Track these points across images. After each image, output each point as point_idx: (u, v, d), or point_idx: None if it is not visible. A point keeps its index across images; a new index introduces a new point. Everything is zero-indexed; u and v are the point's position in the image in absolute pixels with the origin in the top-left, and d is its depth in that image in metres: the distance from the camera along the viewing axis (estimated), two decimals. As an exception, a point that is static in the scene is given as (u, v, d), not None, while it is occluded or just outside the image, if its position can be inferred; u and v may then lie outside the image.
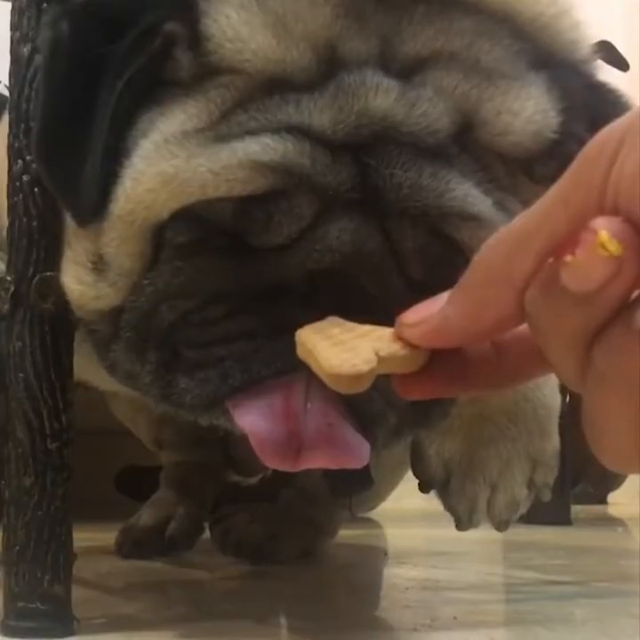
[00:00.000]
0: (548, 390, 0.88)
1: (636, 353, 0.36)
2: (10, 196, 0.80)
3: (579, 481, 2.35)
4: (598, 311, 0.37)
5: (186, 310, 0.69)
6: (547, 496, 0.88)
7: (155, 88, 0.69)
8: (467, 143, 0.69)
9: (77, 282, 0.73)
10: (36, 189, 0.79)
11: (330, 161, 0.66)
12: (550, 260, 0.38)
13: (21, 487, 0.78)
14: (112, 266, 0.71)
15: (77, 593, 0.81)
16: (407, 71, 0.68)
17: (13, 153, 0.79)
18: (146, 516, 1.38)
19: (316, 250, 0.66)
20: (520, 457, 0.86)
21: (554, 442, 0.88)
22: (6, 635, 0.78)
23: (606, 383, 0.37)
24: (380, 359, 0.43)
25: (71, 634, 0.79)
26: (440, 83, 0.68)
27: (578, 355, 0.38)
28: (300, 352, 0.45)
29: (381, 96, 0.66)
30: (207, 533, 1.36)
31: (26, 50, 0.79)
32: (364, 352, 0.43)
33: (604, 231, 0.36)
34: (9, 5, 0.81)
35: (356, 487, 0.93)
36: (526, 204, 0.70)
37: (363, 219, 0.67)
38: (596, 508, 2.40)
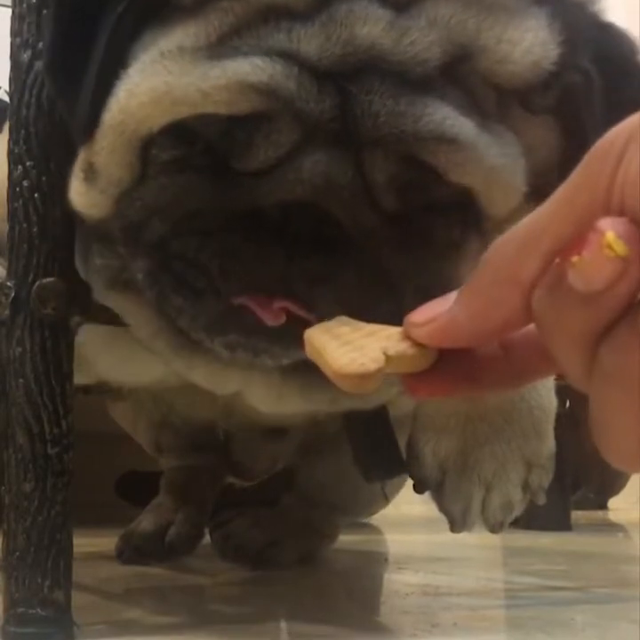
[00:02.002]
0: (544, 391, 0.88)
1: None
2: (10, 201, 0.80)
3: (579, 486, 2.35)
4: (604, 311, 0.37)
5: (174, 223, 0.71)
6: (541, 499, 0.88)
7: (160, 9, 0.71)
8: (459, 74, 0.69)
9: (75, 192, 0.75)
10: (36, 195, 0.79)
11: (315, 88, 0.67)
12: (557, 260, 0.38)
13: (21, 492, 0.78)
14: (102, 174, 0.73)
15: (77, 598, 0.81)
16: (404, 3, 0.68)
17: (13, 158, 0.79)
18: (146, 521, 1.38)
19: (288, 180, 0.67)
20: (515, 458, 0.86)
21: (549, 444, 0.88)
22: (6, 640, 0.78)
23: (612, 382, 0.37)
24: (388, 358, 0.43)
25: (71, 639, 0.79)
26: (435, 13, 0.68)
27: (584, 354, 0.38)
28: (309, 351, 0.46)
29: (370, 25, 0.67)
30: (207, 538, 1.36)
31: (26, 56, 0.79)
32: (372, 351, 0.43)
33: (611, 232, 0.36)
34: (9, 12, 0.81)
35: (389, 472, 0.93)
36: (519, 134, 0.71)
37: (339, 151, 0.67)
38: (596, 514, 2.40)
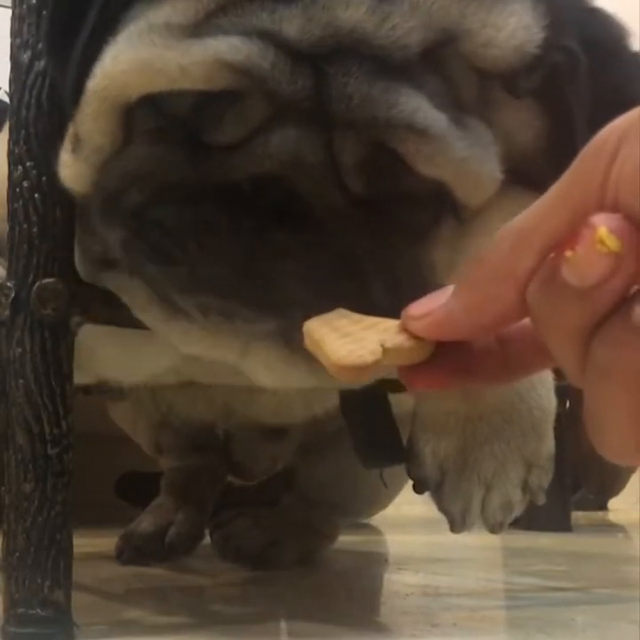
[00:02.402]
0: (543, 391, 0.88)
1: (634, 347, 0.37)
2: (10, 202, 0.80)
3: (579, 487, 2.35)
4: (597, 306, 0.37)
5: (152, 192, 0.71)
6: (541, 499, 0.88)
7: None
8: (440, 59, 0.69)
9: (63, 166, 0.76)
10: (36, 195, 0.79)
11: (289, 69, 0.67)
12: (551, 255, 0.39)
13: (21, 493, 0.78)
14: (85, 143, 0.74)
15: (77, 599, 0.81)
16: None
17: (13, 159, 0.79)
18: (146, 521, 1.38)
19: (257, 154, 0.68)
20: (515, 458, 0.86)
21: (549, 444, 0.88)
22: (6, 641, 0.78)
23: (605, 376, 0.38)
24: (386, 351, 0.43)
25: (71, 639, 0.79)
26: None
27: (578, 348, 0.39)
28: (308, 343, 0.46)
29: (352, 8, 0.67)
30: (207, 539, 1.36)
31: (26, 56, 0.79)
32: (370, 343, 0.44)
33: (603, 227, 0.36)
34: (9, 12, 0.81)
35: (389, 460, 0.93)
36: (500, 118, 0.71)
37: (310, 129, 0.68)
38: (596, 515, 2.40)
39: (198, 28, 0.69)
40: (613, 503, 2.53)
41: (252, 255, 0.69)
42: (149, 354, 0.88)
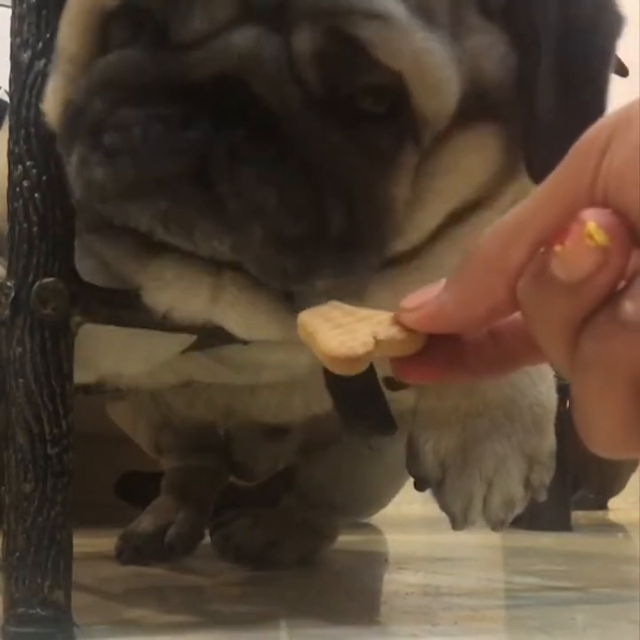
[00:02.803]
0: (544, 388, 0.88)
1: (621, 340, 0.37)
2: (10, 201, 0.80)
3: (579, 487, 2.35)
4: (586, 300, 0.38)
5: (113, 99, 0.70)
6: (542, 496, 0.88)
7: None
8: None
9: (47, 92, 0.76)
10: (36, 195, 0.79)
11: None
12: (541, 249, 0.40)
13: (21, 493, 0.78)
14: (62, 52, 0.74)
15: (77, 599, 0.81)
16: None
17: (13, 158, 0.79)
18: (145, 521, 1.38)
19: (217, 52, 0.68)
20: (516, 454, 0.86)
21: (550, 441, 0.88)
22: (6, 640, 0.78)
23: (592, 369, 0.39)
24: (378, 342, 0.44)
25: (71, 639, 0.79)
26: None
27: (567, 342, 0.39)
28: (301, 334, 0.47)
29: None
30: (207, 539, 1.36)
31: (26, 56, 0.79)
32: (362, 335, 0.44)
33: (592, 222, 0.37)
34: (9, 12, 0.81)
35: (375, 428, 0.92)
36: (467, 38, 0.70)
37: (271, 25, 0.67)
38: (596, 514, 2.41)
39: None
40: (613, 503, 2.54)
41: (206, 156, 0.68)
42: (148, 348, 0.88)
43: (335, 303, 0.48)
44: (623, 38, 0.76)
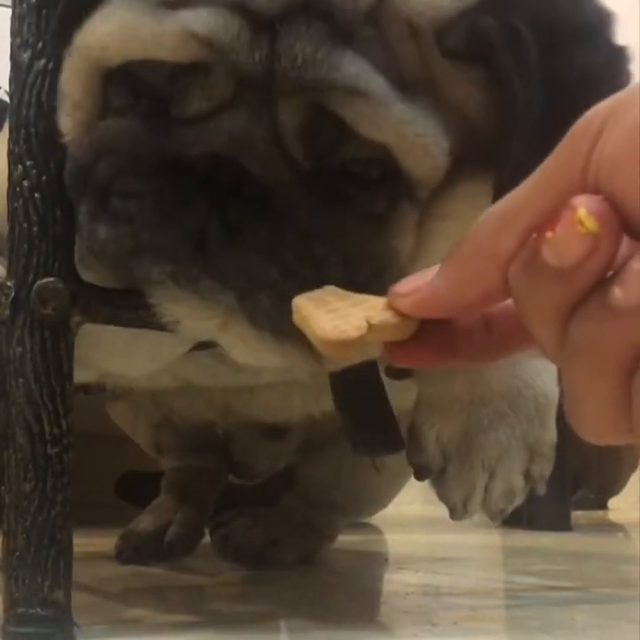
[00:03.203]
0: (548, 379, 0.88)
1: (610, 327, 0.38)
2: (10, 201, 0.80)
3: (579, 487, 2.35)
4: (576, 286, 0.38)
5: (116, 166, 0.72)
6: (542, 488, 0.88)
7: None
8: (382, 22, 0.69)
9: (59, 118, 0.77)
10: (36, 195, 0.79)
11: (249, 40, 0.68)
12: (533, 235, 0.40)
13: (21, 492, 0.78)
14: (67, 96, 0.76)
15: (77, 598, 0.81)
16: None
17: (13, 158, 0.79)
18: (145, 521, 1.38)
19: (210, 131, 0.70)
20: (519, 444, 0.86)
21: (551, 433, 0.88)
22: (6, 640, 0.78)
23: (581, 355, 0.39)
24: (371, 327, 0.44)
25: (71, 639, 0.79)
26: None
27: (556, 328, 0.40)
28: (296, 318, 0.47)
29: None
30: (207, 538, 1.36)
31: (26, 56, 0.79)
32: (356, 319, 0.45)
33: (583, 208, 0.37)
34: (9, 12, 0.81)
35: (383, 448, 0.92)
36: (441, 88, 0.70)
37: (262, 102, 0.69)
38: (596, 514, 2.41)
39: (183, 2, 0.70)
40: (613, 502, 2.53)
41: (206, 230, 0.70)
42: (152, 342, 0.88)
43: (330, 288, 0.49)
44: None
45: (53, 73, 0.78)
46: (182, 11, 0.69)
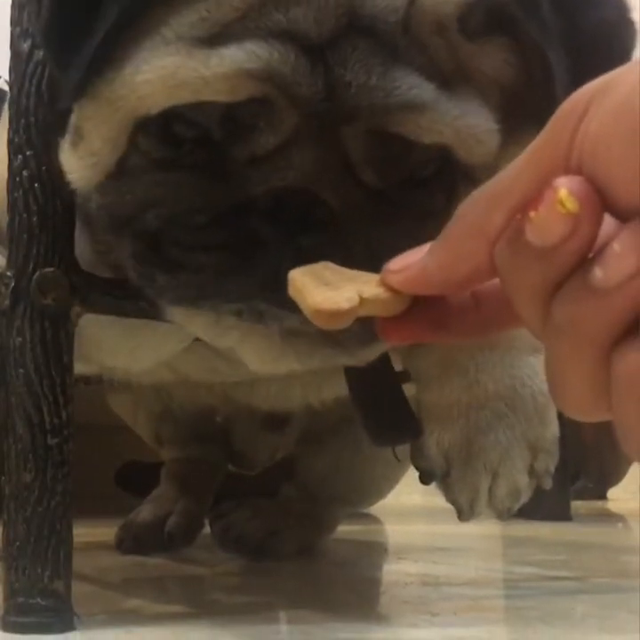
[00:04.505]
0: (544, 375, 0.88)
1: (590, 306, 0.38)
2: (10, 191, 0.80)
3: (578, 477, 2.35)
4: (557, 266, 0.39)
5: (170, 217, 0.71)
6: (548, 484, 0.88)
7: None
8: (412, 20, 0.69)
9: (63, 153, 0.76)
10: (36, 185, 0.79)
11: (309, 69, 0.68)
12: (518, 215, 0.40)
13: (21, 483, 0.78)
14: (85, 142, 0.74)
15: (77, 588, 0.81)
16: None
17: (13, 148, 0.79)
18: (145, 511, 1.38)
19: (279, 167, 0.69)
20: (520, 444, 0.86)
21: (553, 428, 0.88)
22: (6, 630, 0.78)
23: (562, 333, 0.40)
24: (363, 300, 0.45)
25: (71, 629, 0.79)
26: None
27: (540, 306, 0.40)
28: (291, 291, 0.48)
29: None
30: (207, 529, 1.36)
31: (26, 45, 0.79)
32: (348, 292, 0.45)
33: (564, 189, 0.38)
34: (9, 1, 0.81)
35: (402, 436, 0.92)
36: (474, 71, 0.71)
37: (326, 132, 0.69)
38: (595, 504, 2.40)
39: (218, 35, 0.68)
40: (613, 493, 2.53)
41: (280, 270, 0.68)
42: (152, 339, 0.88)
43: (327, 263, 0.50)
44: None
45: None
46: (226, 47, 0.67)
